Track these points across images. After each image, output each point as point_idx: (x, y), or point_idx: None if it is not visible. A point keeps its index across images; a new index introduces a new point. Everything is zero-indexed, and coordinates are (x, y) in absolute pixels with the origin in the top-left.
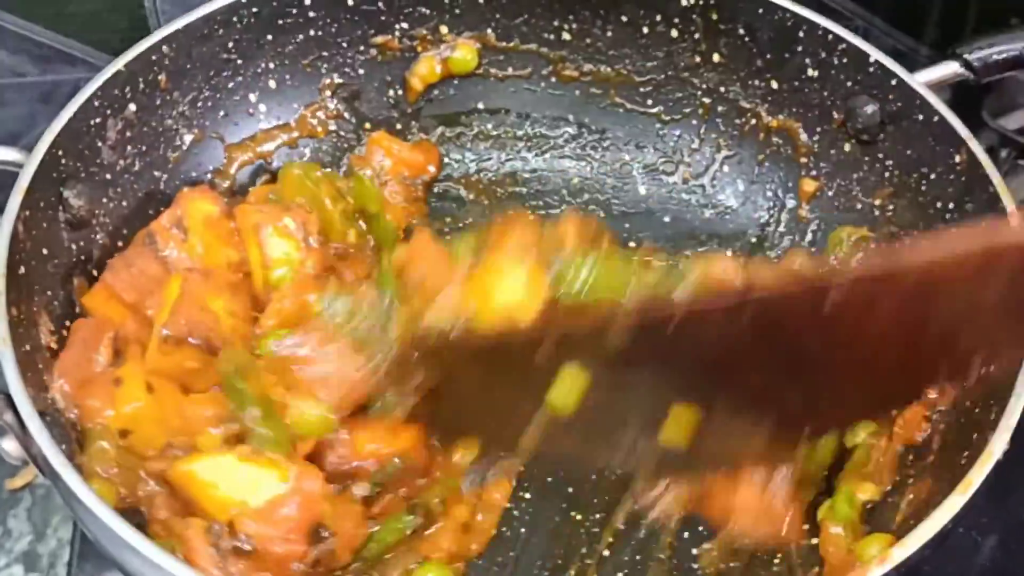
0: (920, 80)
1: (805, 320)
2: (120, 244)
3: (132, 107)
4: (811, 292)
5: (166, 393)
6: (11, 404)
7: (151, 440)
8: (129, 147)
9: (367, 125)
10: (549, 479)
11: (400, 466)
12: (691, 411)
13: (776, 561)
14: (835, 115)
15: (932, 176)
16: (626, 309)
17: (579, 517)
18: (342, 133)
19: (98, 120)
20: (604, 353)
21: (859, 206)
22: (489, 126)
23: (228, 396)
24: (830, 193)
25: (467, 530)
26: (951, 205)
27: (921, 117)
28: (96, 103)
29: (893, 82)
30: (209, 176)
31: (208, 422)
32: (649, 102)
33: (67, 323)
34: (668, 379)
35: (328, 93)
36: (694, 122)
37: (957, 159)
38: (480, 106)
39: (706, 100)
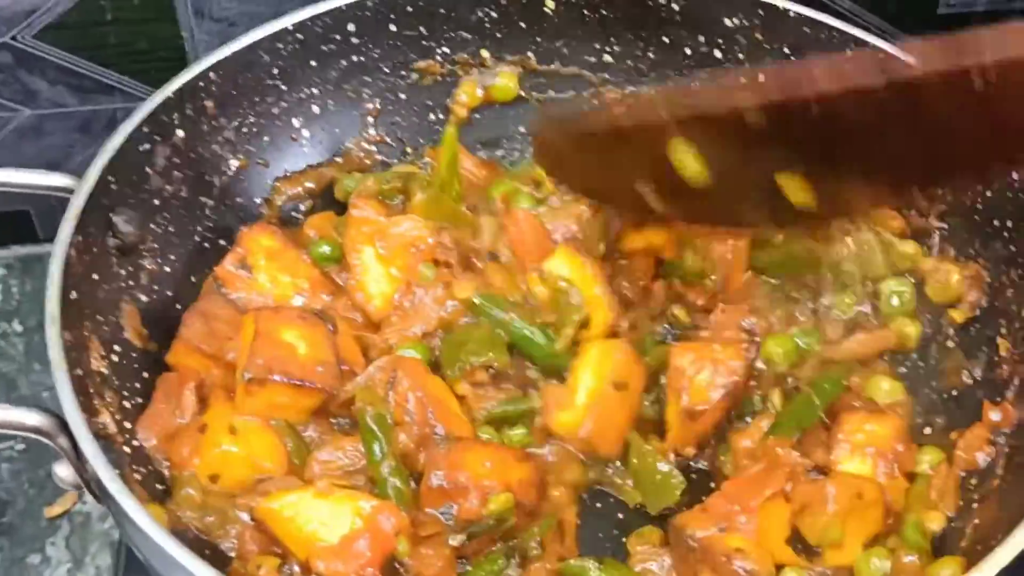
0: None
1: (940, 98)
2: (168, 270)
3: (180, 133)
4: (955, 74)
5: (252, 433)
6: (65, 428)
7: (240, 480)
8: (176, 173)
9: (409, 150)
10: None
11: (499, 527)
12: (803, 180)
13: None
14: None
15: (988, 193)
16: (761, 87)
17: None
18: (387, 160)
19: (147, 146)
20: (731, 130)
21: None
22: (531, 150)
23: (364, 442)
24: None
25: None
26: (1009, 223)
27: None
28: (145, 129)
29: None
30: (258, 203)
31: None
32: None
33: (116, 348)
34: (788, 151)
35: (371, 119)
36: None
37: (1015, 176)
38: (522, 130)
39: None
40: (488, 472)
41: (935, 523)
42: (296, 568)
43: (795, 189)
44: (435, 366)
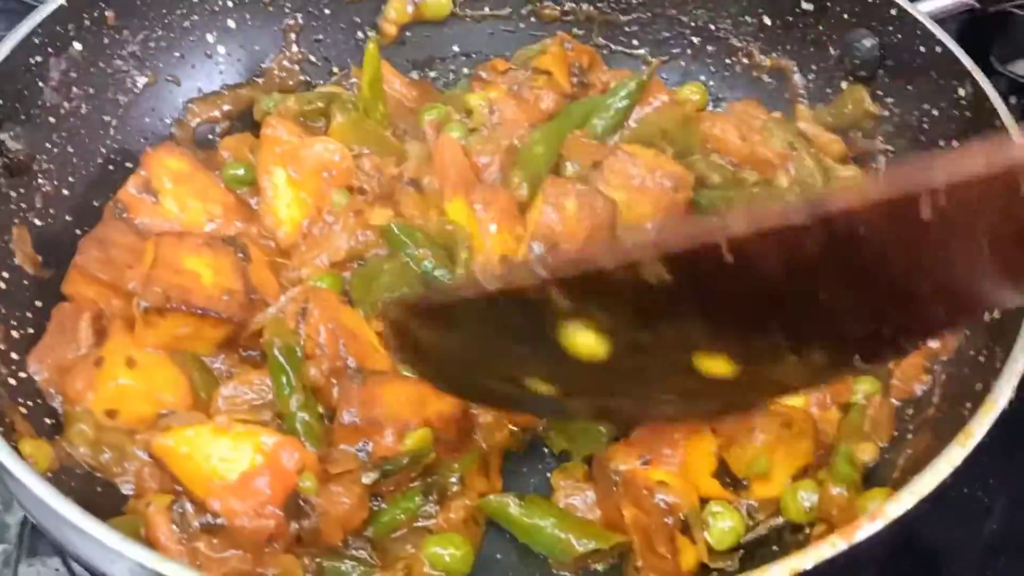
0: (922, 10)
1: (884, 237)
2: (66, 193)
3: (77, 45)
4: (901, 202)
5: (153, 366)
6: None
7: (140, 415)
8: (75, 88)
9: (336, 70)
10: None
11: (415, 465)
12: (717, 354)
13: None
14: (832, 51)
15: (934, 112)
16: (663, 236)
17: None
18: (312, 81)
19: (39, 58)
20: (628, 294)
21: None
22: (465, 70)
23: (272, 375)
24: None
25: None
26: (955, 143)
27: (923, 50)
28: (36, 40)
29: (893, 12)
30: (168, 123)
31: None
32: (635, 42)
33: (3, 274)
34: (701, 317)
35: (292, 36)
36: (682, 63)
37: (961, 92)
38: (456, 49)
39: (695, 39)
40: (405, 407)
41: (867, 454)
42: (188, 507)
43: (710, 363)
44: (350, 300)
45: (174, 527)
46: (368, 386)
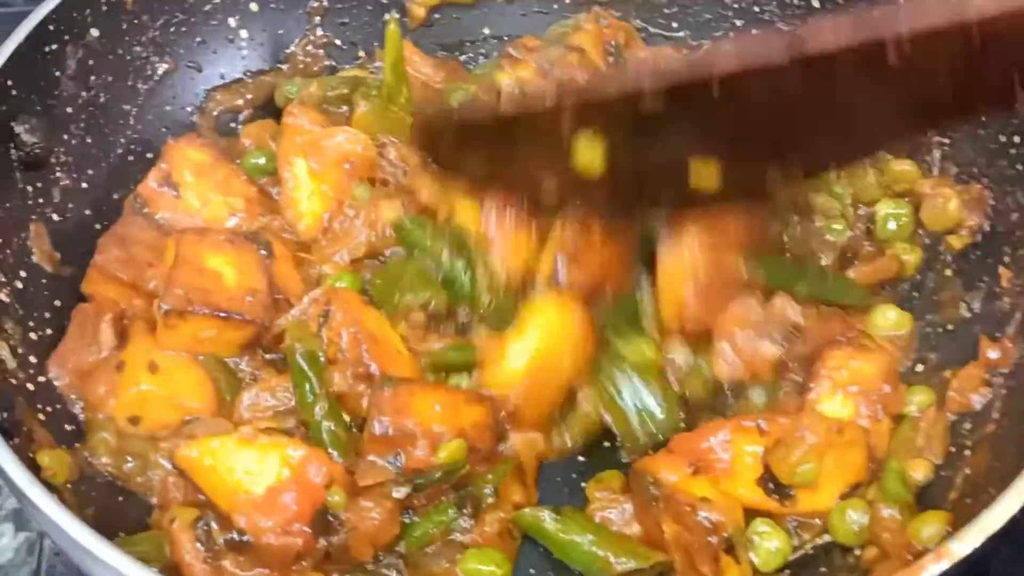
0: None
1: (854, 74)
2: (85, 186)
3: (94, 32)
4: (871, 46)
5: (176, 370)
6: None
7: (163, 422)
8: (92, 77)
9: (362, 55)
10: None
11: (449, 478)
12: (711, 163)
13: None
14: None
15: None
16: (659, 71)
17: None
18: (337, 66)
19: (54, 47)
20: (627, 118)
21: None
22: (496, 53)
23: (295, 382)
24: None
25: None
26: (1016, 139)
27: None
28: (51, 27)
29: None
30: (189, 111)
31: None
32: (674, 24)
33: (20, 272)
34: (692, 136)
35: (317, 19)
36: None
37: None
38: (487, 31)
39: (738, 21)
40: (438, 416)
41: (920, 472)
42: (213, 523)
43: (702, 174)
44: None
45: (199, 545)
46: (399, 394)
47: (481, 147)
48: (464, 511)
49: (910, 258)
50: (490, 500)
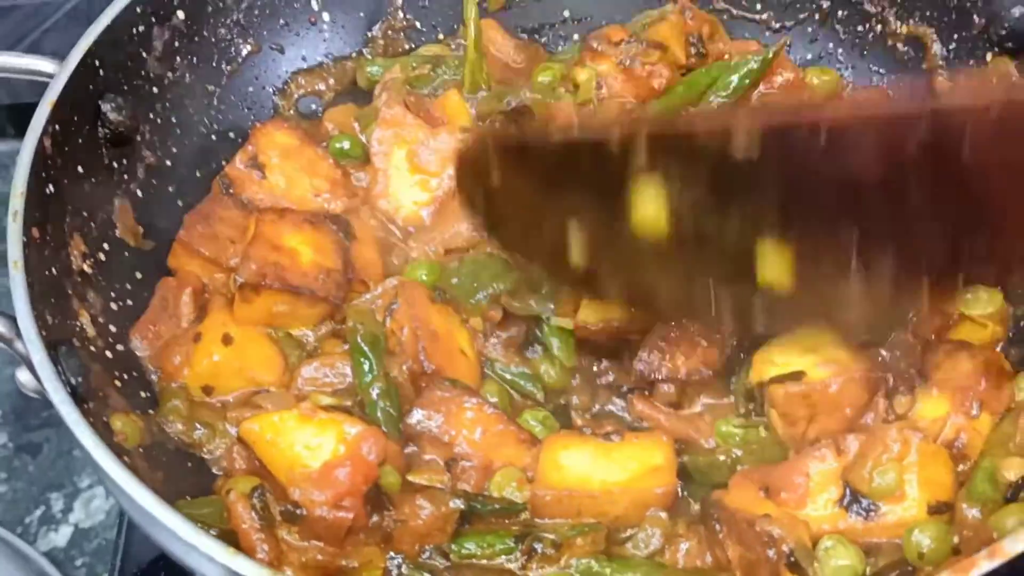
0: None
1: (990, 144)
2: (168, 164)
3: (180, 14)
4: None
5: (249, 343)
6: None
7: (234, 392)
8: (178, 58)
9: (441, 37)
10: None
11: (503, 510)
12: (784, 249)
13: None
14: (976, 19)
15: None
16: (759, 110)
17: None
18: (416, 49)
19: (142, 28)
20: (708, 165)
21: None
22: (576, 36)
23: (353, 361)
24: None
25: None
26: None
27: None
28: (139, 9)
29: None
30: (270, 92)
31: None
32: (758, 6)
33: (104, 245)
34: (775, 212)
35: (398, 2)
36: (809, 29)
37: None
38: (567, 14)
39: (824, 3)
40: (473, 440)
41: (1014, 471)
42: (269, 495)
43: (773, 262)
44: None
45: (254, 514)
46: (450, 399)
47: (526, 191)
48: (520, 546)
49: None
50: (549, 553)
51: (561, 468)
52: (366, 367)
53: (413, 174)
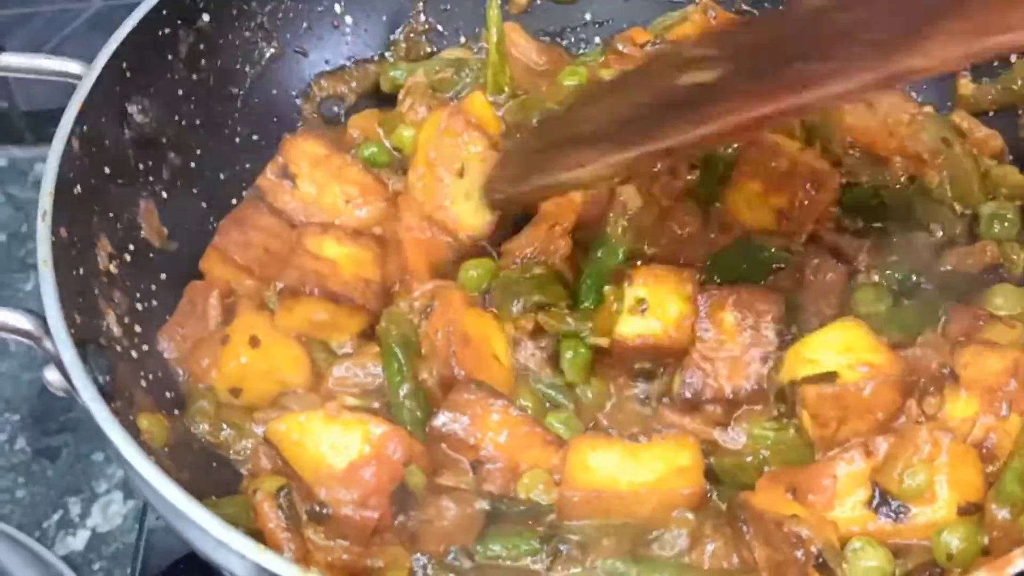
0: None
1: None
2: (193, 165)
3: (205, 17)
4: None
5: (276, 345)
6: (49, 331)
7: (262, 394)
8: (202, 60)
9: (462, 40)
10: None
11: (528, 512)
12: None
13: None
14: None
15: None
16: None
17: None
18: (438, 52)
19: (167, 31)
20: None
21: None
22: (597, 39)
23: (384, 361)
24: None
25: None
26: None
27: None
28: (165, 12)
29: None
30: (294, 95)
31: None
32: (781, 7)
33: (129, 245)
34: None
35: (420, 5)
36: None
37: None
38: (588, 17)
39: None
40: (499, 443)
41: None
42: (295, 495)
43: None
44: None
45: (280, 514)
46: (476, 402)
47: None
48: (545, 548)
49: (1021, 256)
50: (574, 554)
51: (589, 469)
52: (395, 367)
53: (468, 186)
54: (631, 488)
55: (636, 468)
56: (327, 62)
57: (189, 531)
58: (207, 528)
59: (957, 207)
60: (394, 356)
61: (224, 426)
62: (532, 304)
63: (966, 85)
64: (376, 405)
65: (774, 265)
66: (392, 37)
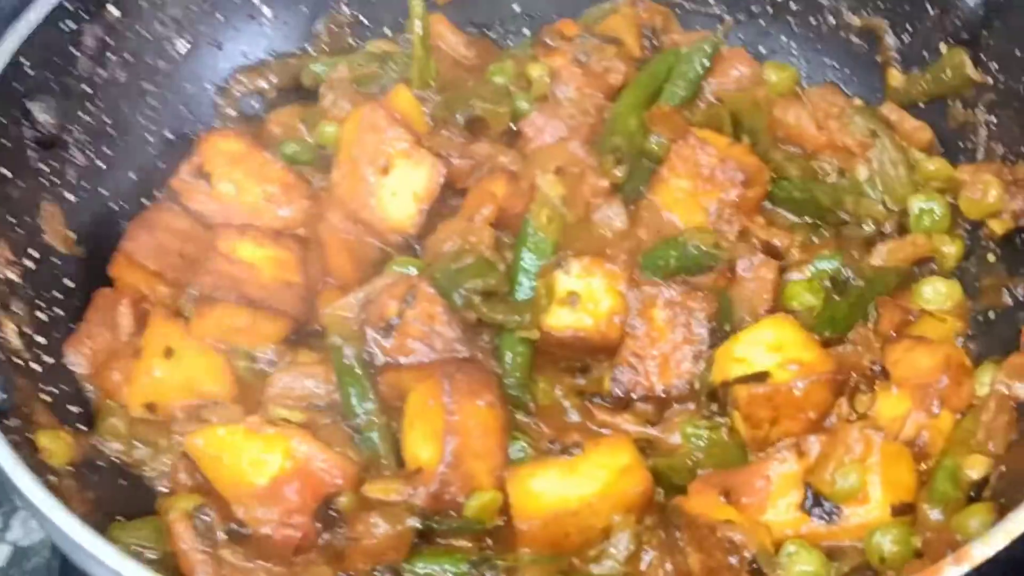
0: None
1: None
2: (102, 166)
3: (113, 10)
4: None
5: (193, 355)
6: None
7: (180, 407)
8: (111, 55)
9: (388, 32)
10: None
11: (464, 527)
12: None
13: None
14: (929, 10)
15: None
16: None
17: None
18: (360, 45)
19: (72, 24)
20: None
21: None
22: (526, 31)
23: (341, 383)
24: (921, 105)
25: None
26: None
27: None
28: (69, 6)
29: None
30: (210, 90)
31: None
32: (711, 1)
33: (30, 251)
34: None
35: None
36: (762, 22)
37: None
38: (517, 8)
39: None
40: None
41: (977, 469)
42: (212, 514)
43: None
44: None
45: (196, 535)
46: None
47: None
48: (474, 572)
49: (951, 249)
50: None
51: (535, 496)
52: (352, 390)
53: (394, 183)
54: (582, 501)
55: (579, 481)
56: (245, 56)
57: (85, 560)
58: (101, 557)
59: (887, 201)
60: (353, 378)
61: (138, 444)
62: (474, 291)
63: (896, 76)
64: (327, 421)
65: (705, 263)
66: (313, 29)
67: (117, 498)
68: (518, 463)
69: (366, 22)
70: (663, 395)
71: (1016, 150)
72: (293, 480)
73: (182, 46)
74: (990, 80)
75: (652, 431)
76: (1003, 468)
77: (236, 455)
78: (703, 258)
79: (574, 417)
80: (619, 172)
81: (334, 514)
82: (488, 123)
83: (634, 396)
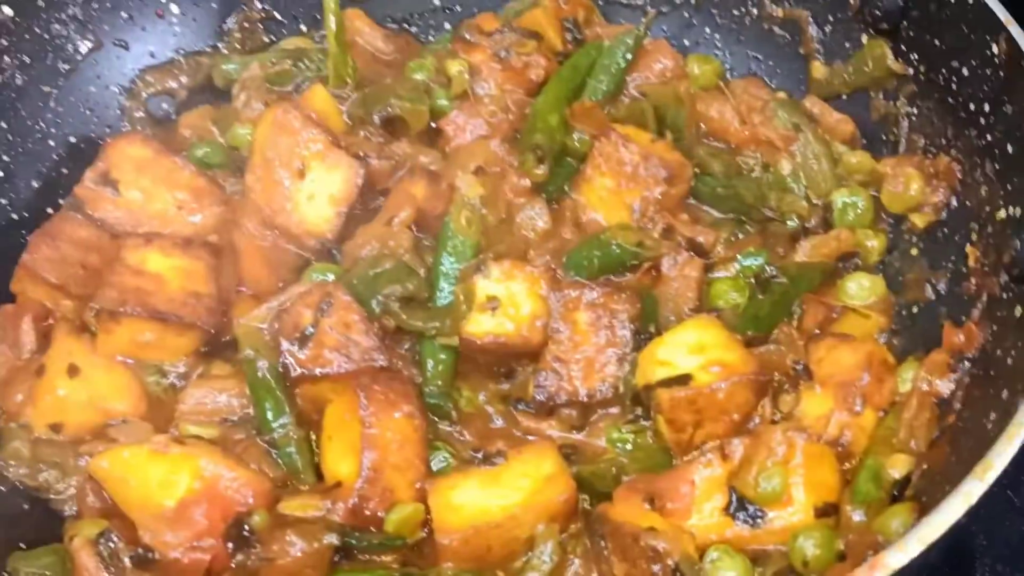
0: None
1: None
2: (1, 174)
3: (7, 10)
4: None
5: (100, 372)
6: None
7: (87, 427)
8: (6, 58)
9: (304, 28)
10: None
11: (385, 544)
12: None
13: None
14: (850, 0)
15: (964, 71)
16: None
17: None
18: (276, 42)
19: None
20: None
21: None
22: (447, 25)
23: (256, 398)
24: (844, 97)
25: None
26: (986, 107)
27: (952, 0)
28: None
29: None
30: (115, 92)
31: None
32: None
33: None
34: None
35: None
36: (685, 14)
37: (995, 49)
38: (436, 2)
39: None
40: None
41: (899, 468)
42: (117, 540)
43: None
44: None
45: (101, 563)
46: (379, 421)
47: None
48: None
49: (874, 243)
50: None
51: (456, 508)
52: (267, 405)
53: (310, 187)
54: (505, 512)
55: (502, 491)
56: (152, 55)
57: None
58: None
59: (811, 195)
60: (268, 392)
61: (43, 466)
62: (393, 297)
63: (818, 68)
64: (242, 436)
65: (629, 261)
66: (225, 26)
67: (20, 524)
68: (440, 474)
69: (280, 18)
70: (587, 399)
71: (937, 142)
72: (202, 500)
73: (84, 46)
74: (911, 71)
75: (577, 436)
76: (925, 466)
77: (142, 477)
78: (627, 256)
79: (499, 423)
80: (541, 171)
81: (247, 534)
82: (407, 122)
83: (558, 401)
